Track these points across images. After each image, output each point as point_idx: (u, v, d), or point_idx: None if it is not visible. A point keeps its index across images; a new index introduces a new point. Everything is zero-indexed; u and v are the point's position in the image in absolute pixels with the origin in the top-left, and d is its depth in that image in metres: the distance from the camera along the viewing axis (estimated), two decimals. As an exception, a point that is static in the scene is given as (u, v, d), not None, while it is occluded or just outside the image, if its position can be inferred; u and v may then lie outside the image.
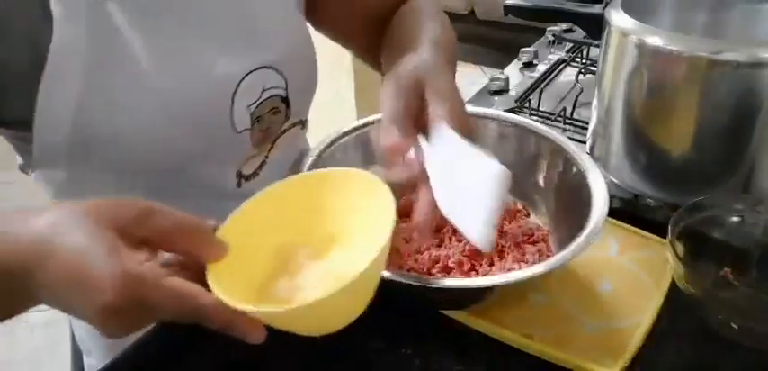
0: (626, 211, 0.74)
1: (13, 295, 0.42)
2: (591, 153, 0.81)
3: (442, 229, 0.63)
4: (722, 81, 0.65)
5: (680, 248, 0.61)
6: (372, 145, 0.76)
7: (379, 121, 0.76)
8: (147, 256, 0.40)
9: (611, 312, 0.60)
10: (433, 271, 0.60)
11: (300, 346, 0.60)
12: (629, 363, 0.55)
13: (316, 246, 0.49)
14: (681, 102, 0.69)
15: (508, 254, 0.62)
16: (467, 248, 0.61)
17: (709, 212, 0.65)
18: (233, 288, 0.41)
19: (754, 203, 0.66)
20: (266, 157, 0.70)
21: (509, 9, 1.12)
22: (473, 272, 0.60)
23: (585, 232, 0.56)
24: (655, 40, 0.68)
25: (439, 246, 0.63)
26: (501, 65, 1.25)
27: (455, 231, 0.63)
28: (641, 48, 0.69)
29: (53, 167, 0.61)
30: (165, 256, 0.42)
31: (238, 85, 0.62)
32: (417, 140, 0.52)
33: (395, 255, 0.61)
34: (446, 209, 0.49)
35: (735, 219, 0.66)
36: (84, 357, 0.80)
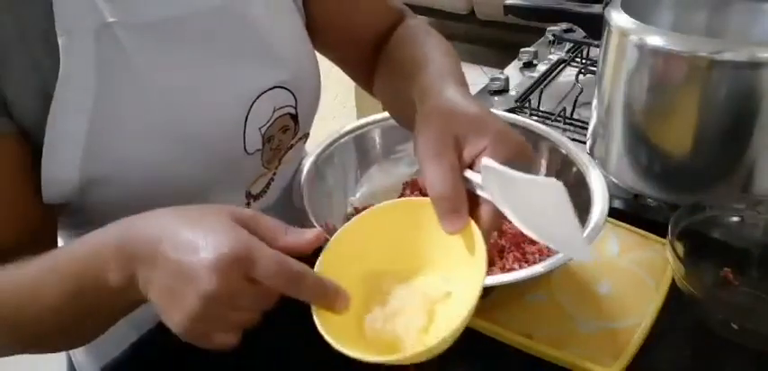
0: (626, 211, 0.74)
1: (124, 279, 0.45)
2: (591, 153, 0.81)
3: None
4: (722, 81, 0.65)
5: (680, 248, 0.61)
6: (369, 146, 0.76)
7: (376, 121, 0.76)
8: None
9: (610, 312, 0.60)
10: None
11: (298, 346, 0.60)
12: (629, 363, 0.55)
13: (398, 271, 0.48)
14: (681, 102, 0.69)
15: (508, 254, 0.62)
16: None
17: (710, 212, 0.65)
18: (334, 319, 0.44)
19: (754, 203, 0.66)
20: (274, 174, 0.70)
21: (509, 9, 1.12)
22: None
23: (587, 231, 0.56)
24: (655, 40, 0.68)
25: None
26: (501, 65, 1.25)
27: None
28: (641, 48, 0.69)
29: (62, 203, 0.58)
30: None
31: (251, 107, 0.62)
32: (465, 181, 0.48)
33: None
34: (535, 235, 0.47)
35: (735, 219, 0.66)
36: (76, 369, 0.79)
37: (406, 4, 0.77)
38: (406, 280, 0.47)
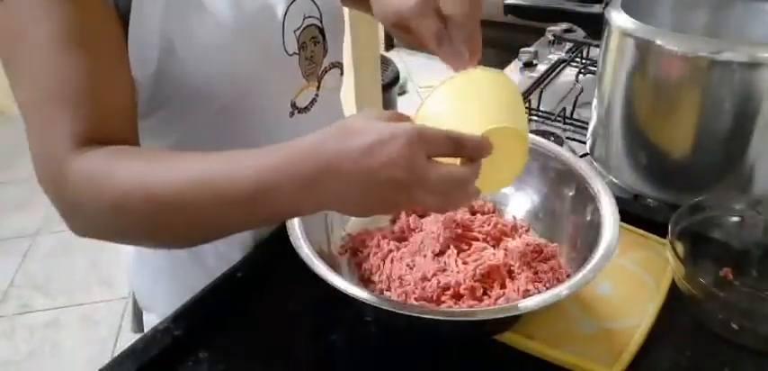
0: (626, 211, 0.74)
1: (303, 183, 0.47)
2: (591, 153, 0.81)
3: (445, 252, 0.62)
4: (722, 81, 0.65)
5: (680, 248, 0.61)
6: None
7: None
8: None
9: (611, 312, 0.60)
10: (443, 299, 0.58)
11: (296, 355, 0.60)
12: (629, 363, 0.55)
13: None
14: (681, 102, 0.69)
15: (520, 274, 0.60)
16: (477, 271, 0.59)
17: (709, 212, 0.65)
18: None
19: (754, 203, 0.66)
20: (316, 93, 0.76)
21: (509, 9, 1.12)
22: (485, 296, 0.58)
23: (603, 245, 0.55)
24: (655, 40, 0.68)
25: (443, 271, 0.60)
26: (501, 65, 1.25)
27: (459, 254, 0.62)
28: (641, 48, 0.69)
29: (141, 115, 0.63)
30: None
31: (287, 10, 0.69)
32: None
33: (400, 283, 0.59)
34: None
35: (735, 219, 0.66)
36: (145, 314, 0.82)
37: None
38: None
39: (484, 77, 0.58)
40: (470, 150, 0.47)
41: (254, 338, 0.60)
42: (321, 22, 0.74)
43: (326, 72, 0.77)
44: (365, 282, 0.62)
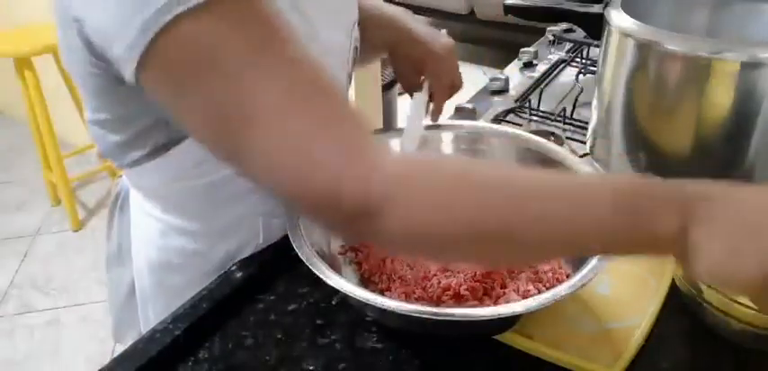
0: (626, 211, 0.74)
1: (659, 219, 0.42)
2: (591, 153, 0.81)
3: None
4: (722, 81, 0.65)
5: (680, 248, 0.61)
6: None
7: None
8: None
9: (611, 312, 0.60)
10: (444, 299, 0.58)
11: (296, 355, 0.60)
12: (629, 363, 0.55)
13: None
14: (681, 102, 0.68)
15: (520, 274, 0.60)
16: (477, 273, 0.59)
17: (710, 212, 0.65)
18: None
19: (754, 204, 0.66)
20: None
21: (509, 9, 1.12)
22: (486, 297, 0.59)
23: (592, 261, 0.55)
24: (655, 40, 0.68)
25: (443, 271, 0.61)
26: (501, 65, 1.25)
27: None
28: (641, 48, 0.69)
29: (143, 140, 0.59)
30: None
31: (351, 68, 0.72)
32: None
33: (400, 283, 0.60)
34: None
35: (735, 219, 0.66)
36: (139, 308, 0.77)
37: (407, 5, 0.78)
38: None
39: None
40: None
41: (254, 338, 0.60)
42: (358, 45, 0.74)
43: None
44: (365, 282, 0.62)
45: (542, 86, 1.06)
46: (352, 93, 2.27)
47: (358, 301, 0.51)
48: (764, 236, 0.39)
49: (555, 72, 1.13)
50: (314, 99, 0.45)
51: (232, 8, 0.43)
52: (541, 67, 1.13)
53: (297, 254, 0.55)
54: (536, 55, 1.16)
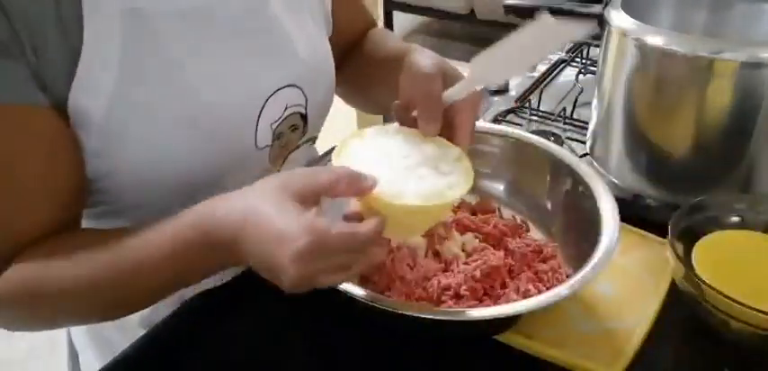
0: (626, 211, 0.74)
1: (219, 259, 0.50)
2: (591, 153, 0.81)
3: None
4: (722, 81, 0.65)
5: (680, 248, 0.61)
6: None
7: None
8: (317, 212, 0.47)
9: (611, 312, 0.60)
10: (444, 299, 0.58)
11: (296, 355, 0.60)
12: (629, 363, 0.55)
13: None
14: (681, 102, 0.69)
15: (521, 274, 0.60)
16: (478, 272, 0.59)
17: (709, 212, 0.65)
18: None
19: (754, 203, 0.66)
20: (279, 171, 0.69)
21: (509, 9, 1.12)
22: (486, 297, 0.59)
23: (603, 245, 0.55)
24: (655, 40, 0.68)
25: (444, 272, 0.61)
26: (501, 65, 1.24)
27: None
28: (641, 48, 0.69)
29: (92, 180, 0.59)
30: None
31: (265, 103, 0.63)
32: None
33: (400, 283, 0.59)
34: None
35: (735, 219, 0.66)
36: (80, 355, 0.80)
37: (406, 5, 0.78)
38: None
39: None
40: (366, 243, 0.47)
41: (253, 338, 0.60)
42: (306, 108, 0.68)
43: (297, 149, 0.71)
44: (365, 282, 0.62)
45: (542, 86, 1.06)
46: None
47: (358, 301, 0.52)
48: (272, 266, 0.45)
49: (555, 72, 1.13)
50: None
51: None
52: (541, 67, 1.13)
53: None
54: (536, 55, 1.16)
